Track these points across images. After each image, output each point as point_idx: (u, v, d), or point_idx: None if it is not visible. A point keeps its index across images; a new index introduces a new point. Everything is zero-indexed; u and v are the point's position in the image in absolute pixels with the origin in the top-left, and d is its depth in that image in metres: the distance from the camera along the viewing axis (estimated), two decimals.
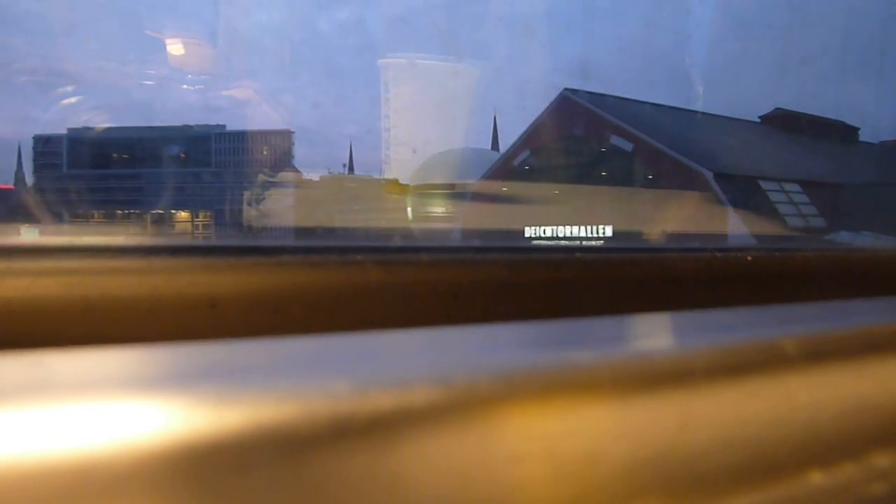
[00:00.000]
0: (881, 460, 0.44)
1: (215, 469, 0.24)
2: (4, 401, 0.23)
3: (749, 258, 0.67)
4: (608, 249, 0.64)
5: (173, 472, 0.23)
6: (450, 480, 0.29)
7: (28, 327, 0.40)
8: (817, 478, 0.41)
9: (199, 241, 0.48)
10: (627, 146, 12.18)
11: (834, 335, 0.45)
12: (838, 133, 13.90)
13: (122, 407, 0.24)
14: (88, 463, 0.23)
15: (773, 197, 11.52)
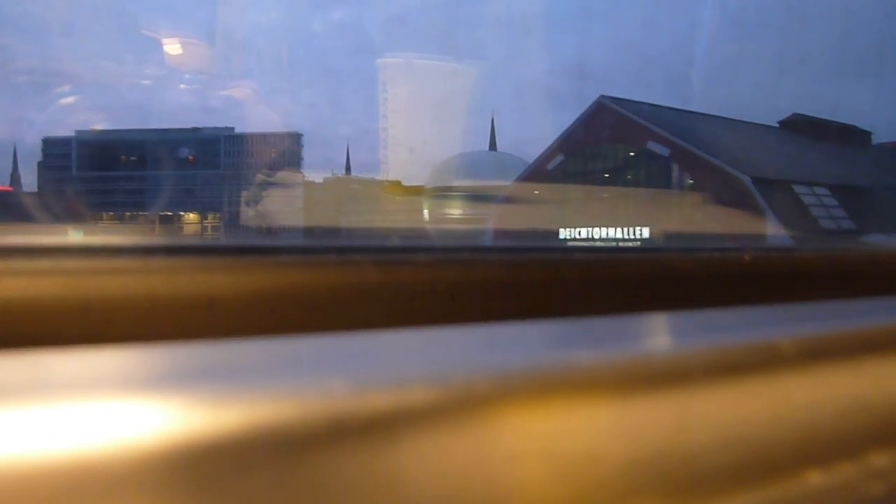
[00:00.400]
0: (879, 460, 0.44)
1: (213, 469, 0.24)
2: (2, 400, 0.23)
3: (747, 258, 0.67)
4: (607, 249, 0.64)
5: (171, 472, 0.23)
6: (448, 480, 0.29)
7: (26, 327, 0.40)
8: (815, 477, 0.41)
9: (197, 241, 0.48)
10: (664, 151, 12.38)
11: (832, 335, 0.45)
12: (852, 137, 14.12)
13: (119, 406, 0.24)
14: (85, 463, 0.23)
15: (806, 200, 11.75)
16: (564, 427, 0.32)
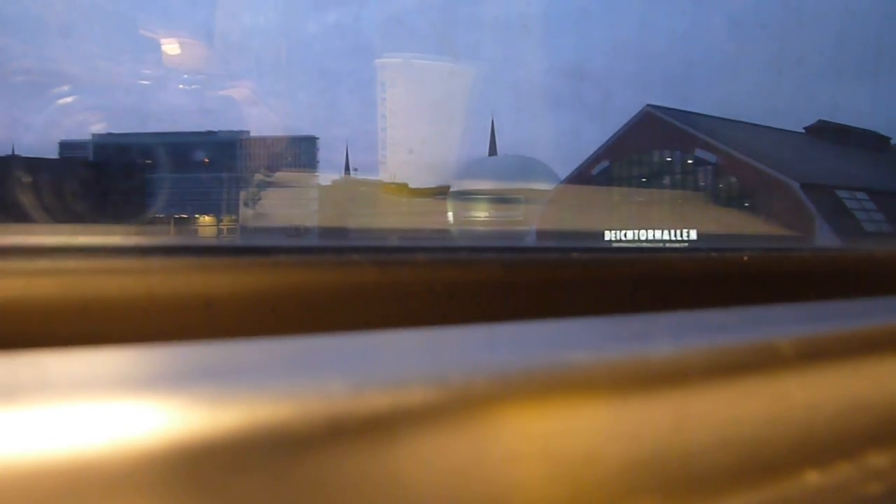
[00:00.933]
0: (877, 460, 0.44)
1: (211, 469, 0.24)
2: (0, 401, 0.23)
3: (745, 258, 0.67)
4: (605, 249, 0.65)
5: (169, 473, 0.23)
6: (446, 480, 0.29)
7: (24, 327, 0.40)
8: (813, 477, 0.41)
9: (195, 241, 0.48)
10: (711, 158, 12.65)
11: (830, 335, 0.45)
12: (874, 141, 14.41)
13: (117, 407, 0.24)
14: (84, 463, 0.22)
15: (849, 204, 11.97)
16: (563, 427, 0.32)
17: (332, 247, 0.48)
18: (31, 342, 0.33)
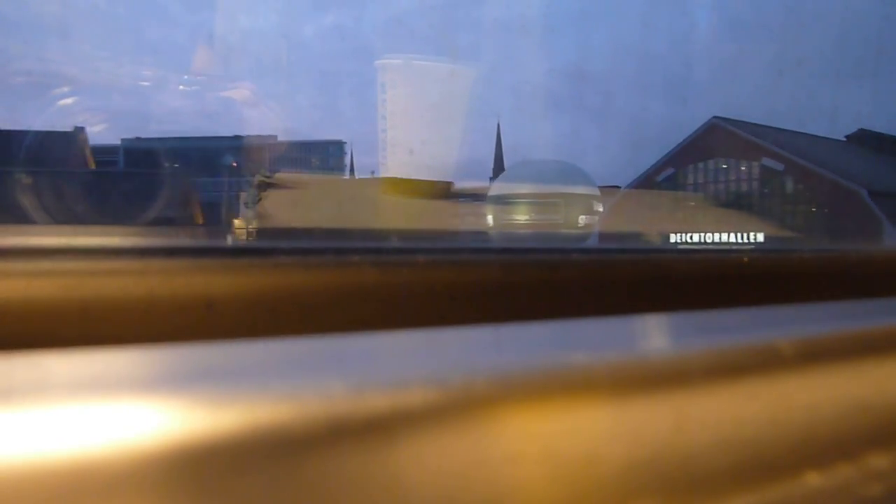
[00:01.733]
0: (878, 461, 0.44)
1: (211, 470, 0.24)
2: (0, 402, 0.23)
3: (746, 259, 0.67)
4: (605, 250, 0.65)
5: (169, 474, 0.23)
6: (447, 481, 0.29)
7: (24, 328, 0.40)
8: (814, 479, 0.41)
9: (196, 242, 0.48)
10: (778, 166, 12.87)
11: (831, 336, 0.45)
12: None
13: (118, 408, 0.24)
14: (84, 464, 0.22)
15: None
16: (563, 428, 0.32)
17: (332, 247, 0.48)
18: (32, 343, 0.33)
